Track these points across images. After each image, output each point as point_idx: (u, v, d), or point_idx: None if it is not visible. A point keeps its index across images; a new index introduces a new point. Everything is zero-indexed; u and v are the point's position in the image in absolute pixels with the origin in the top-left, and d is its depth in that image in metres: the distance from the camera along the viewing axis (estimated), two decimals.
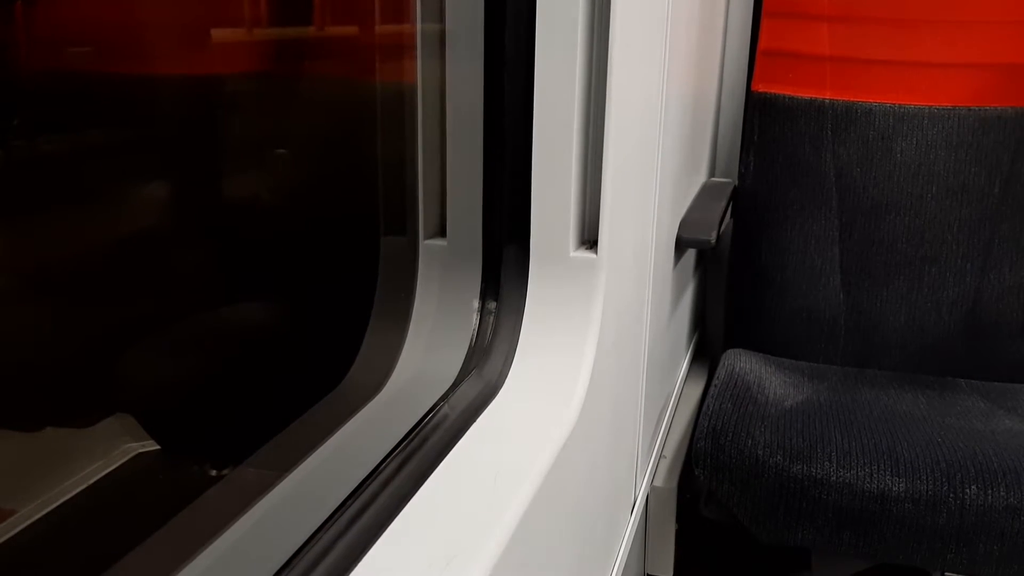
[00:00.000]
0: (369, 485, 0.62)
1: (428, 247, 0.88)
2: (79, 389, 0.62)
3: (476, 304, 0.84)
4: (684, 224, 1.36)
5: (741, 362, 1.46)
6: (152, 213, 0.67)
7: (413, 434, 0.70)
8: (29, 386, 0.57)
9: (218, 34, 0.72)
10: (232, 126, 0.79)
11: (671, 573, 1.39)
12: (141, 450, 0.66)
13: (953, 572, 1.22)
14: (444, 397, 0.77)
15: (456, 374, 0.82)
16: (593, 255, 0.81)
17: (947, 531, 1.13)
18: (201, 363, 0.75)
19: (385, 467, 0.64)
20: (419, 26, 0.86)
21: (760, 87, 1.62)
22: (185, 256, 0.73)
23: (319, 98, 0.87)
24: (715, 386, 1.35)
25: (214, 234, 0.77)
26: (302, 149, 0.88)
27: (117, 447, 0.65)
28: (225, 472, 0.73)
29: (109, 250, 0.63)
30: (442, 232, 0.88)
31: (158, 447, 0.67)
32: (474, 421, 0.71)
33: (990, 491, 1.13)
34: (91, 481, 0.61)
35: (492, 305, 0.84)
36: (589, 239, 0.83)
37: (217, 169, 0.77)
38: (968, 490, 1.13)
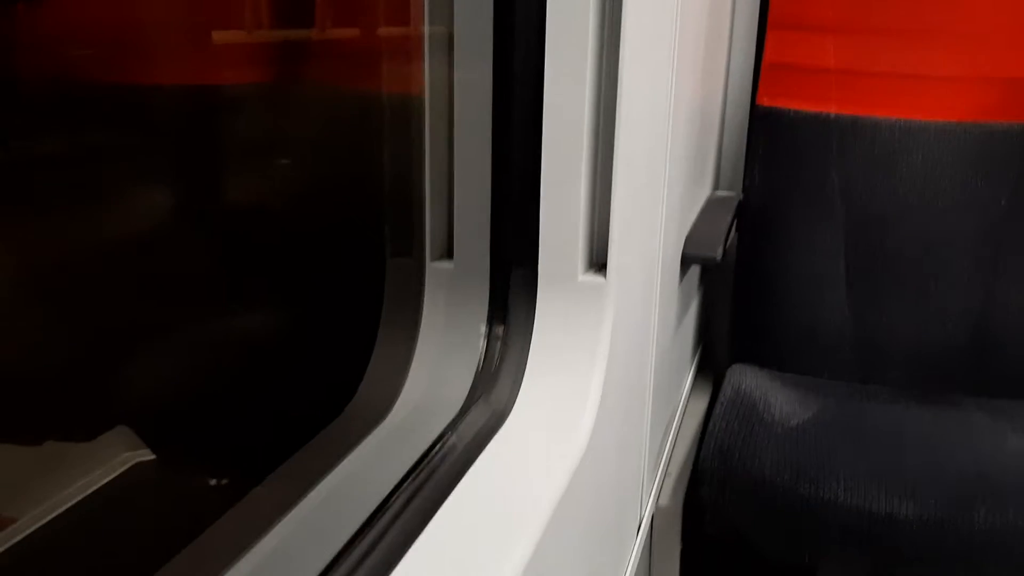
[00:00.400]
0: (377, 521, 0.61)
1: (435, 269, 0.87)
2: (79, 403, 0.62)
3: (483, 329, 0.83)
4: (690, 240, 1.35)
5: (747, 378, 1.45)
6: (159, 230, 0.67)
7: (421, 466, 0.68)
8: (30, 400, 0.56)
9: (218, 46, 0.72)
10: (237, 147, 0.78)
11: None
12: (138, 460, 0.65)
13: None
14: (451, 425, 0.76)
15: (463, 400, 0.81)
16: (602, 279, 0.80)
17: (956, 553, 1.12)
18: (206, 385, 0.75)
19: (393, 502, 0.63)
20: (426, 38, 0.85)
21: (765, 100, 1.61)
22: (188, 278, 0.72)
23: (325, 117, 0.87)
24: (721, 403, 1.34)
25: (220, 259, 0.76)
26: (307, 168, 0.87)
27: (116, 457, 0.64)
28: (224, 482, 0.72)
29: (111, 269, 0.62)
30: (449, 254, 0.87)
31: (154, 456, 0.66)
32: (482, 451, 0.70)
33: (999, 512, 1.12)
34: (90, 490, 0.61)
35: (499, 330, 0.82)
36: (597, 262, 0.82)
37: (222, 192, 0.77)
38: (977, 511, 1.12)
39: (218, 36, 0.73)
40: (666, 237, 1.13)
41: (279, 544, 0.63)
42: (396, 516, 0.62)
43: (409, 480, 0.67)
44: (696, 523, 1.38)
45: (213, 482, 0.73)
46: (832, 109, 1.58)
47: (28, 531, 0.56)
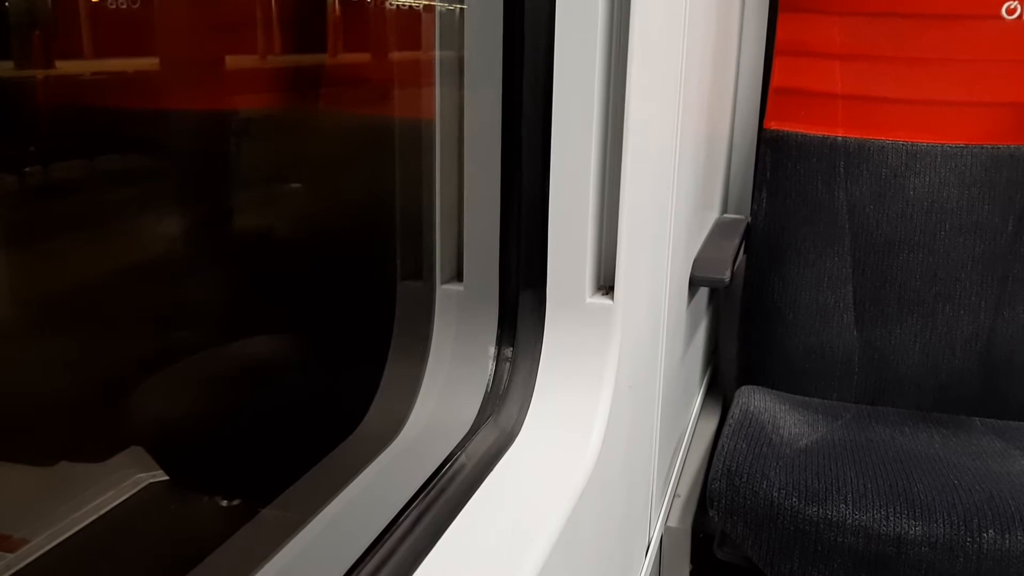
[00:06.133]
0: (387, 540, 0.61)
1: (444, 291, 0.88)
2: (92, 424, 0.62)
3: (492, 350, 0.84)
4: (698, 263, 1.36)
5: (755, 400, 1.45)
6: (174, 255, 0.68)
7: (431, 485, 0.69)
8: (45, 421, 0.57)
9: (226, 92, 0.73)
10: (249, 172, 0.79)
11: None
12: (151, 480, 0.66)
13: None
14: (460, 445, 0.77)
15: (472, 421, 0.82)
16: (609, 301, 0.81)
17: None
18: (219, 406, 0.76)
19: (403, 520, 0.64)
20: (437, 65, 0.86)
21: (772, 124, 1.63)
22: (202, 301, 0.73)
23: (339, 146, 0.88)
24: (729, 425, 1.34)
25: (232, 283, 0.77)
26: (320, 194, 0.88)
27: (129, 477, 0.65)
28: (236, 502, 0.73)
29: (124, 292, 0.63)
30: (459, 276, 0.89)
31: (167, 477, 0.67)
32: (491, 471, 0.71)
33: (1007, 535, 1.12)
34: (103, 511, 0.62)
35: (508, 351, 0.83)
36: (605, 285, 0.83)
37: (235, 217, 0.78)
38: (985, 534, 1.12)
39: (232, 62, 0.74)
40: (674, 260, 1.14)
41: (290, 563, 0.64)
42: (406, 535, 0.63)
43: (419, 499, 0.68)
44: (705, 544, 1.38)
45: (225, 503, 0.74)
46: (839, 132, 1.59)
47: (41, 552, 0.57)
